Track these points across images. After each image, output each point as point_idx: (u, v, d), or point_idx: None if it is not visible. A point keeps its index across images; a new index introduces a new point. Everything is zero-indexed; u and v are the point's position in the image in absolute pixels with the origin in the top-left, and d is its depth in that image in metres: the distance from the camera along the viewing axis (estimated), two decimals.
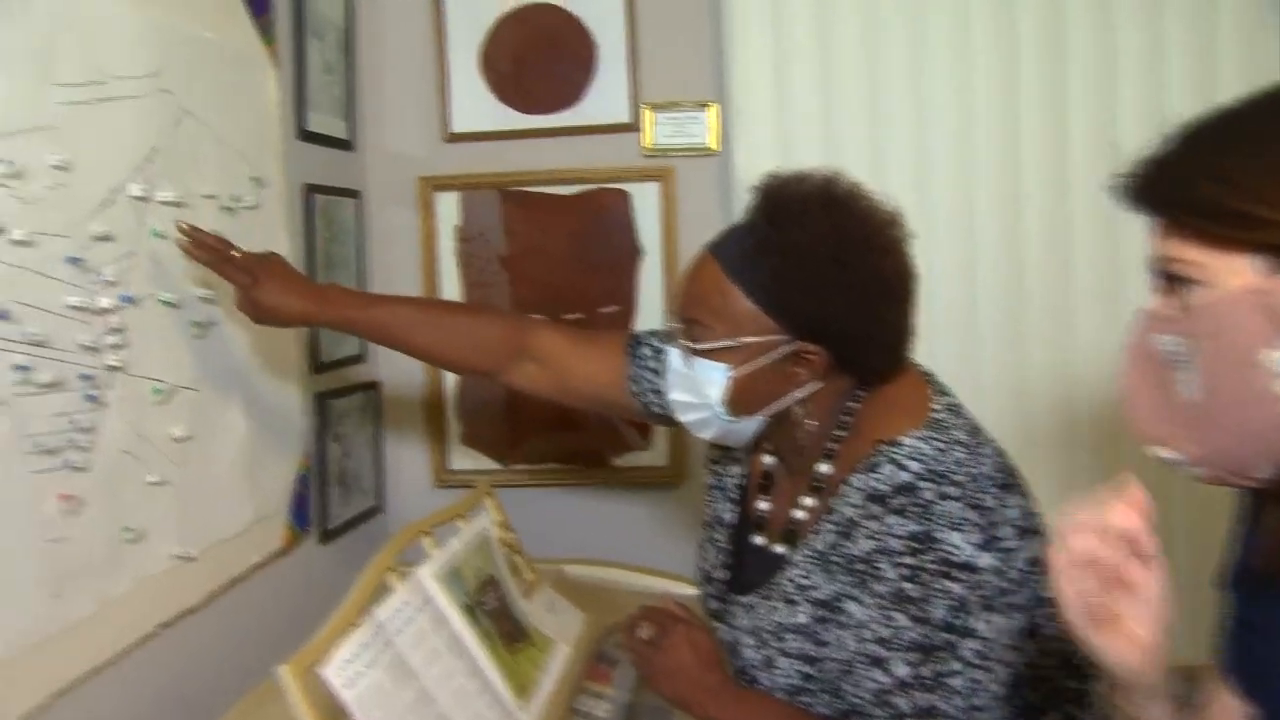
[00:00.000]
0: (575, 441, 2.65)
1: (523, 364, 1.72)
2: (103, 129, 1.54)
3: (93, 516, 1.49)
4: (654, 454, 2.63)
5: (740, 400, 1.41)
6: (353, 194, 2.52)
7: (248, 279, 1.66)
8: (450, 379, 2.65)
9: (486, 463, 2.67)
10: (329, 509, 2.30)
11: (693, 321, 1.42)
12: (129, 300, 1.58)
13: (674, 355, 1.46)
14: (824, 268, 1.33)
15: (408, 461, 2.69)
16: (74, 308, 1.46)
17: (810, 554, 1.40)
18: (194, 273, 1.75)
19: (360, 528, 2.48)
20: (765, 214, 1.39)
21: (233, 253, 1.68)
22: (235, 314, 1.80)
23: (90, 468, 1.49)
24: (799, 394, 1.41)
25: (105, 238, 1.53)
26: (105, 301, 1.53)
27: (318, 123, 2.32)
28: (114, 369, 1.55)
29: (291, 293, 1.69)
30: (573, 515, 2.63)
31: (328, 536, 2.29)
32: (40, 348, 1.39)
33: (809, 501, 1.45)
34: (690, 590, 2.16)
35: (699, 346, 1.41)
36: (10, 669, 1.34)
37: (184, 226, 1.65)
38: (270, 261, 1.71)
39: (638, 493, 2.65)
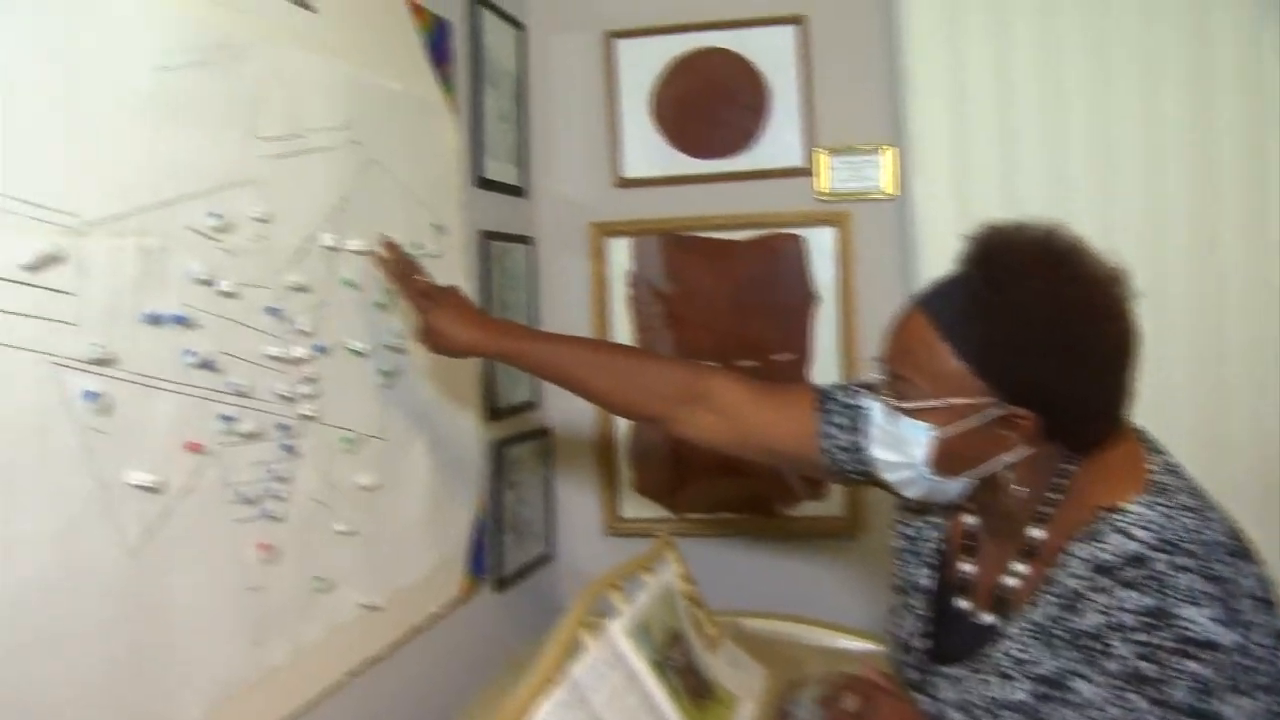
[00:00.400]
0: (745, 490, 2.59)
1: (697, 412, 1.66)
2: (299, 181, 1.57)
3: (288, 565, 1.50)
4: (829, 504, 2.55)
5: (945, 461, 1.34)
6: (525, 240, 2.53)
7: (427, 302, 1.69)
8: (621, 425, 2.63)
9: (657, 510, 2.63)
10: (504, 556, 2.29)
11: (898, 377, 1.36)
12: (321, 350, 1.60)
13: (876, 410, 1.40)
14: (1042, 332, 1.25)
15: (578, 508, 2.67)
16: (272, 357, 1.48)
17: (1028, 626, 1.31)
18: (382, 322, 1.77)
19: (532, 575, 2.47)
20: (980, 269, 1.31)
21: (416, 276, 1.72)
22: (420, 363, 1.81)
23: (286, 517, 1.49)
24: (1007, 458, 1.33)
25: (300, 288, 1.55)
26: (300, 351, 1.54)
27: (494, 170, 2.33)
28: (307, 418, 1.56)
29: (467, 322, 1.69)
30: (746, 566, 2.57)
31: (502, 584, 2.28)
32: (243, 398, 1.40)
33: (1020, 568, 1.36)
34: (870, 646, 2.09)
35: (904, 405, 1.34)
36: (214, 716, 1.34)
37: (385, 243, 1.71)
38: (449, 291, 1.73)
39: (813, 544, 2.57)
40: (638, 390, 1.68)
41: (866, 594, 2.46)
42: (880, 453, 1.40)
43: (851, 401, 1.56)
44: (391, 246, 1.72)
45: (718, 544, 2.58)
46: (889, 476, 1.41)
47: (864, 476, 1.52)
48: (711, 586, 2.07)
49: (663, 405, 1.67)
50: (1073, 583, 1.27)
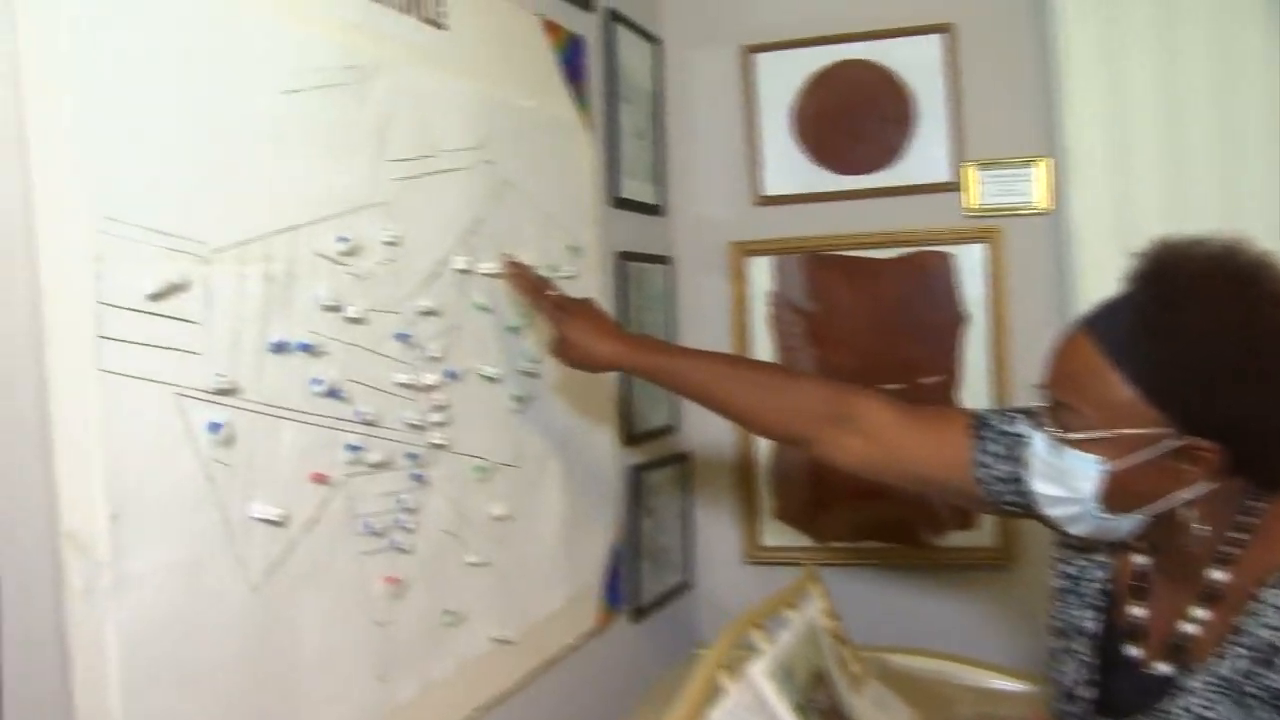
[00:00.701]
0: (890, 517, 2.48)
1: (842, 435, 1.55)
2: (430, 202, 1.53)
3: (416, 599, 1.46)
4: (980, 533, 2.42)
5: (1117, 497, 1.22)
6: (663, 260, 2.47)
7: (562, 314, 1.65)
8: (762, 450, 2.54)
9: (798, 538, 2.54)
10: (641, 586, 2.23)
11: (1062, 405, 1.24)
12: (452, 376, 1.56)
13: (1038, 441, 1.29)
14: (1225, 356, 1.13)
15: (718, 536, 2.59)
16: (402, 385, 1.44)
17: (1214, 680, 1.18)
18: (515, 346, 1.73)
19: (670, 605, 2.40)
20: (1153, 288, 1.20)
21: (548, 291, 1.68)
22: (555, 388, 1.76)
23: (414, 549, 1.45)
24: (1186, 494, 1.20)
25: (431, 312, 1.51)
26: (430, 378, 1.50)
27: (630, 189, 2.28)
28: (437, 447, 1.52)
29: (604, 335, 1.64)
30: (892, 598, 2.45)
31: (639, 614, 2.22)
32: (370, 426, 1.37)
33: (1201, 614, 1.23)
34: (1026, 687, 1.96)
35: (1069, 436, 1.23)
36: None
37: (507, 258, 1.68)
38: (584, 304, 1.70)
39: (962, 575, 2.44)
40: (780, 409, 1.59)
41: (1021, 630, 2.32)
42: (1042, 486, 1.29)
43: (1009, 429, 1.44)
44: (517, 264, 1.69)
45: (861, 574, 2.47)
46: (1052, 512, 1.30)
47: (1022, 510, 1.41)
48: (855, 619, 1.98)
49: (806, 426, 1.58)
50: (1267, 634, 1.14)
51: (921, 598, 2.46)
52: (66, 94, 0.98)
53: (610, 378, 2.07)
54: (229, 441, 1.14)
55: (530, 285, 1.68)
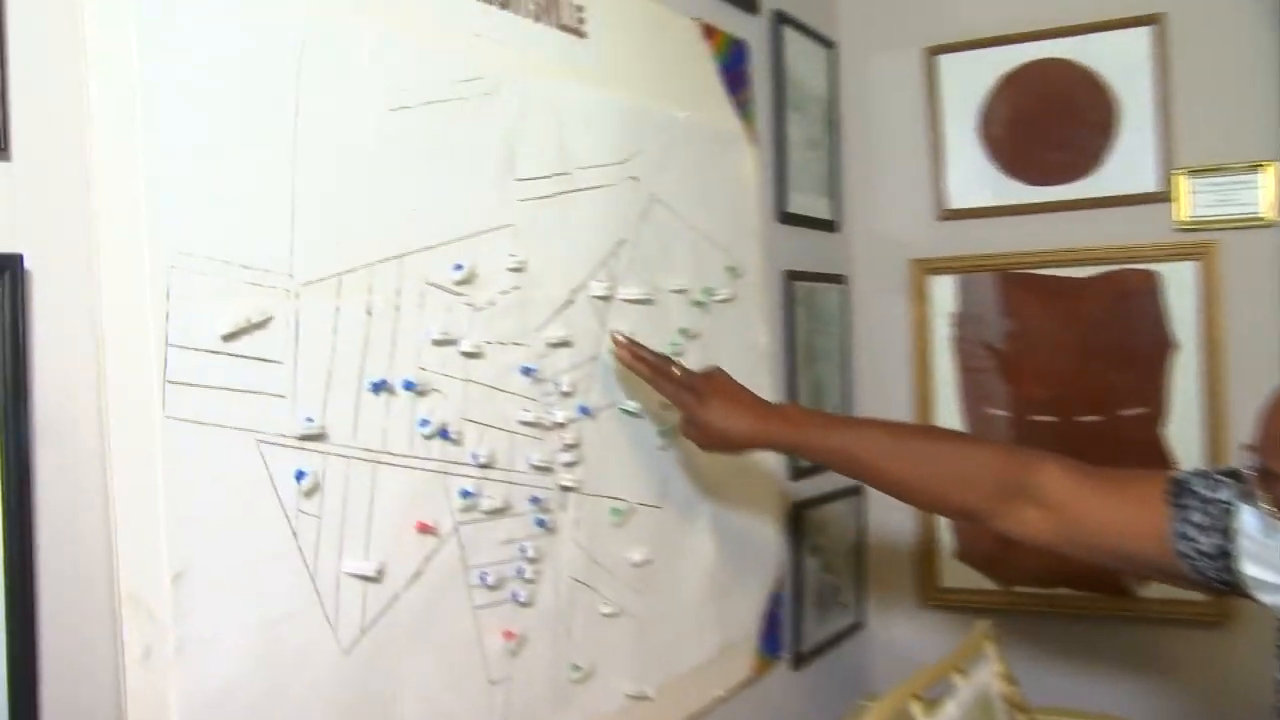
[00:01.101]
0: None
1: (1021, 507, 1.37)
2: (564, 224, 1.42)
3: (537, 654, 1.35)
4: None
5: None
6: (837, 279, 2.31)
7: (693, 398, 1.47)
8: None
9: (981, 581, 2.32)
10: (803, 630, 2.07)
11: (1275, 476, 1.04)
12: (585, 412, 1.44)
13: (1248, 516, 1.09)
14: None
15: (893, 576, 2.40)
16: (526, 423, 1.33)
17: None
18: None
19: (838, 648, 2.23)
20: None
21: (673, 369, 1.49)
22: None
23: (536, 600, 1.34)
24: None
25: (562, 343, 1.40)
26: (560, 415, 1.39)
27: (799, 203, 2.12)
28: (567, 489, 1.41)
29: (742, 412, 1.48)
30: (1086, 655, 2.22)
31: (800, 661, 2.06)
32: (487, 469, 1.27)
33: None
34: None
35: None
36: None
37: (619, 337, 1.49)
38: (715, 379, 1.51)
39: (1170, 632, 2.18)
40: (947, 482, 1.41)
41: (1238, 700, 2.05)
42: (1255, 570, 1.09)
43: (1214, 495, 1.22)
44: (632, 345, 1.49)
45: (1052, 625, 2.24)
46: (1266, 599, 1.09)
47: (1234, 590, 1.20)
48: (1041, 678, 1.80)
49: (978, 499, 1.40)
50: None
51: (1120, 656, 2.21)
52: (134, 112, 0.91)
53: None
54: (317, 491, 1.05)
55: (648, 366, 1.49)
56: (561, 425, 1.40)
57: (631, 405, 1.54)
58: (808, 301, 2.14)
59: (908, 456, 1.43)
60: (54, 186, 0.87)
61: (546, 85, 1.40)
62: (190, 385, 0.93)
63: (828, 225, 2.29)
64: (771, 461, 1.93)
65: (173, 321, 0.92)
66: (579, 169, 1.46)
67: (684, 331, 1.67)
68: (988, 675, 1.58)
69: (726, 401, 1.48)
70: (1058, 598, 2.25)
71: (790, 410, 1.52)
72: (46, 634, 0.85)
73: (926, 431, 1.56)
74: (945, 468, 1.41)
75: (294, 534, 1.03)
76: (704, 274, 1.74)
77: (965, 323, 2.34)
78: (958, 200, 2.34)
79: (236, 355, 0.97)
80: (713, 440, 1.49)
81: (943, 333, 2.35)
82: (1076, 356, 2.24)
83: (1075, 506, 1.31)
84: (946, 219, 2.34)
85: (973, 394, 2.32)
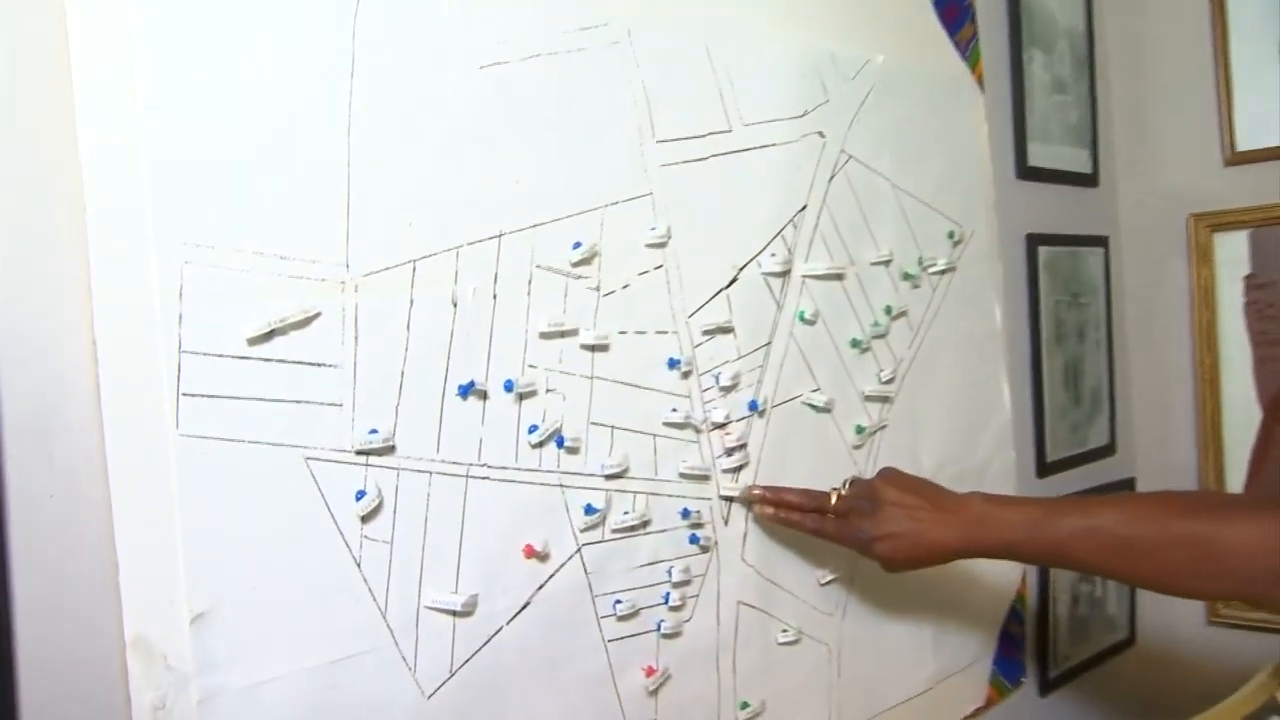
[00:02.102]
0: None
1: None
2: (724, 190, 1.22)
3: (692, 690, 1.17)
4: None
5: None
6: (1097, 241, 1.98)
7: (864, 535, 1.17)
8: (1232, 476, 1.98)
9: None
10: (1054, 650, 1.78)
11: None
12: (755, 408, 1.24)
13: None
14: None
15: None
16: (673, 425, 1.15)
17: None
18: (856, 365, 1.38)
19: (1102, 668, 1.92)
20: None
21: (831, 501, 1.20)
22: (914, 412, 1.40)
23: (685, 630, 1.16)
24: None
25: (722, 329, 1.21)
26: (719, 413, 1.20)
27: (1044, 156, 1.82)
28: (732, 499, 1.21)
29: (925, 529, 1.15)
30: None
31: (1050, 686, 1.77)
32: (618, 479, 1.09)
33: None
34: None
35: None
36: None
37: (756, 491, 1.23)
38: (883, 497, 1.17)
39: None
40: (1199, 576, 1.04)
41: None
42: None
43: None
44: (770, 493, 1.23)
45: None
46: None
47: None
48: None
49: (1246, 588, 1.04)
50: None
51: None
52: (130, 69, 0.78)
53: (993, 387, 1.65)
54: (382, 512, 0.90)
55: (796, 515, 1.22)
56: (722, 425, 1.20)
57: (819, 399, 1.32)
58: (1056, 268, 1.84)
59: (1141, 551, 1.07)
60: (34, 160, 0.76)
61: (697, 29, 1.20)
62: (212, 398, 0.80)
63: (1085, 179, 1.96)
64: (1008, 454, 1.66)
65: (187, 325, 0.79)
66: (744, 126, 1.25)
67: (888, 310, 1.44)
68: None
69: (902, 516, 1.16)
70: None
71: (996, 504, 1.16)
72: (28, 685, 0.74)
73: (1162, 509, 1.11)
74: (1193, 558, 1.04)
75: (357, 563, 0.89)
76: (917, 242, 1.49)
77: (1263, 284, 1.96)
78: (1251, 140, 1.95)
79: (274, 360, 0.84)
80: (897, 569, 1.19)
81: (1233, 300, 1.98)
82: None
83: None
84: (1236, 163, 1.96)
85: (1272, 373, 1.94)
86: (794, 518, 1.21)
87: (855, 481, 1.22)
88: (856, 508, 1.17)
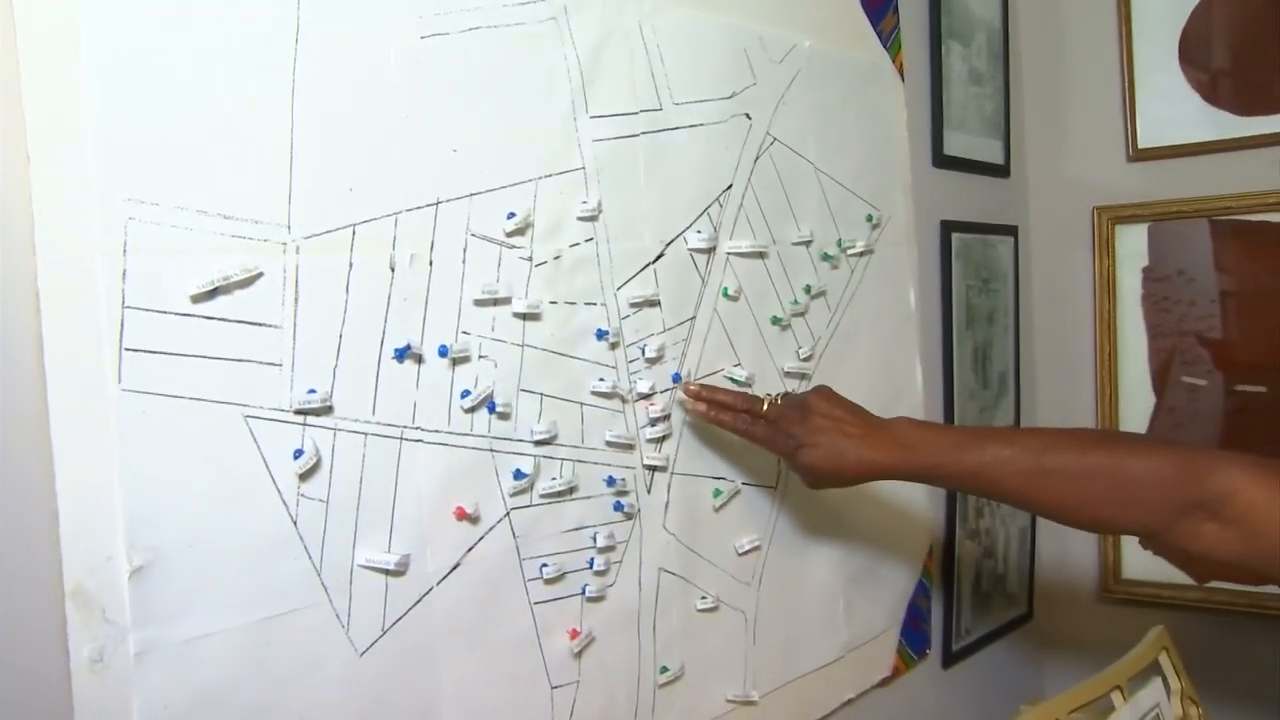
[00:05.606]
0: None
1: (1199, 523, 1.09)
2: (654, 167, 1.25)
3: (615, 654, 1.20)
4: None
5: None
6: (1008, 230, 2.05)
7: (791, 441, 1.22)
8: None
9: (1172, 574, 2.03)
10: (958, 624, 1.85)
11: None
12: (679, 380, 1.27)
13: None
14: None
15: (1069, 562, 2.14)
16: (600, 394, 1.17)
17: None
18: (776, 341, 1.42)
19: (1000, 641, 2.00)
20: None
21: (763, 407, 1.25)
22: (835, 378, 1.44)
23: (609, 594, 1.19)
24: None
25: (648, 302, 1.24)
26: (644, 384, 1.23)
27: (959, 145, 1.88)
28: (655, 468, 1.24)
29: (851, 439, 1.20)
30: None
31: (952, 659, 1.84)
32: (547, 446, 1.11)
33: None
34: None
35: None
36: None
37: (691, 387, 1.27)
38: (812, 404, 1.23)
39: None
40: (1109, 504, 1.13)
41: None
42: None
43: None
44: (706, 391, 1.27)
45: (1254, 630, 1.94)
46: None
47: None
48: (1237, 693, 1.51)
49: (1148, 518, 1.12)
50: None
51: None
52: (76, 23, 0.78)
53: (906, 368, 1.71)
54: (322, 472, 0.92)
55: (731, 414, 1.26)
56: (647, 396, 1.23)
57: (740, 373, 1.36)
58: (968, 256, 1.91)
59: (1059, 476, 1.14)
60: None
61: (633, 8, 1.23)
62: (155, 353, 0.81)
63: (998, 170, 2.03)
64: None
65: (131, 281, 0.80)
66: (675, 104, 1.28)
67: (808, 289, 1.48)
68: (1160, 696, 1.35)
69: (833, 430, 1.21)
70: (1264, 597, 1.95)
71: (914, 429, 1.23)
72: None
73: (1079, 440, 1.19)
74: (1106, 487, 1.12)
75: (294, 521, 0.90)
76: (837, 225, 1.54)
77: (1159, 278, 2.05)
78: (1152, 138, 2.04)
79: (215, 318, 0.85)
80: (821, 482, 1.24)
81: (1132, 290, 2.07)
82: None
83: (1263, 520, 1.05)
84: (1138, 160, 2.05)
85: (1167, 360, 2.03)
86: (725, 418, 1.26)
87: (789, 394, 1.28)
88: (787, 415, 1.23)
